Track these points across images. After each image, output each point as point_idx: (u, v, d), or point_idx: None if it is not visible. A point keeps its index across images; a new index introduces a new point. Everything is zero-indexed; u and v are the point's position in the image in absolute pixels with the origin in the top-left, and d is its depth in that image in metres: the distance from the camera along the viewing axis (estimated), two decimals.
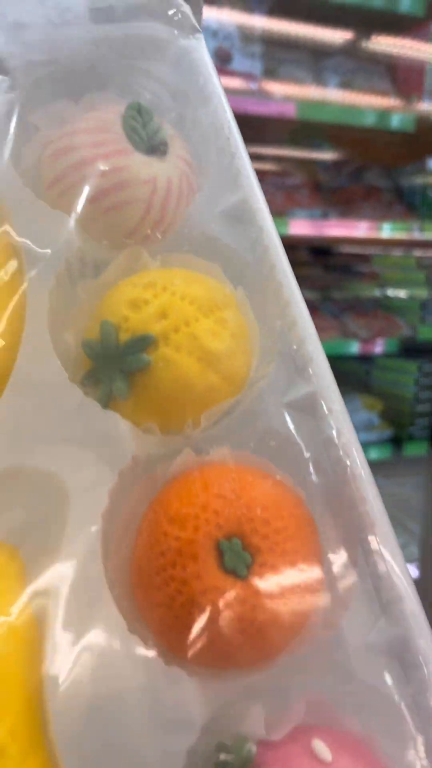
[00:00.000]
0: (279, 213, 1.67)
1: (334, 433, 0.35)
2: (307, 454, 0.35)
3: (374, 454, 1.93)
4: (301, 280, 0.38)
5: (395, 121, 1.72)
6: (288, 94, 1.65)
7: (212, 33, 1.50)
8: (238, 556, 0.32)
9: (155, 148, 0.41)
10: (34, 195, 0.40)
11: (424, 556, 1.81)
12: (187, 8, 0.43)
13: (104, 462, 0.34)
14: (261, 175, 0.40)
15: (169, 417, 0.37)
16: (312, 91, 1.71)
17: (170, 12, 0.43)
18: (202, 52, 0.43)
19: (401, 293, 1.99)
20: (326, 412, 0.35)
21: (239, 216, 0.40)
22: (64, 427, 0.34)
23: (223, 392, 0.37)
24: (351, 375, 2.14)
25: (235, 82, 1.52)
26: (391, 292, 2.02)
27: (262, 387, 0.37)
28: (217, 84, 0.42)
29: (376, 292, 2.05)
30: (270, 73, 1.63)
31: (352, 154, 1.99)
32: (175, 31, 0.43)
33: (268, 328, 0.39)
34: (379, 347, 1.88)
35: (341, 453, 0.34)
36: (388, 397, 2.03)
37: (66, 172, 0.40)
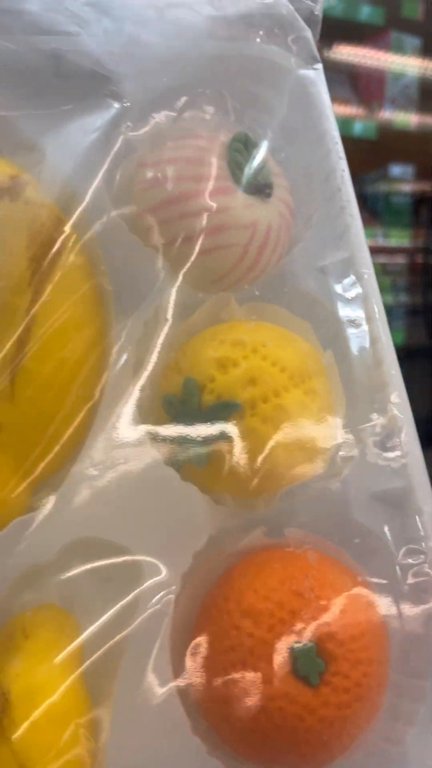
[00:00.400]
0: None
1: (422, 535, 0.33)
2: (390, 554, 0.33)
3: None
4: None
5: (358, 129, 1.76)
6: None
7: None
8: (312, 662, 0.31)
9: (259, 188, 0.38)
10: (125, 226, 0.36)
11: None
12: (308, 33, 0.39)
13: (179, 538, 0.32)
14: None
15: (246, 490, 0.35)
16: None
17: (290, 37, 0.39)
18: (320, 85, 0.39)
19: None
20: (415, 512, 0.33)
21: (341, 276, 0.38)
22: (139, 498, 0.32)
23: (305, 469, 0.35)
24: None
25: None
26: None
27: (347, 471, 0.35)
28: (333, 124, 0.39)
29: None
30: None
31: None
32: (293, 59, 0.39)
33: (358, 404, 0.36)
34: None
35: (426, 565, 0.32)
36: None
37: (160, 205, 0.37)
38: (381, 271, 2.02)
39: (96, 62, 0.33)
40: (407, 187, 2.00)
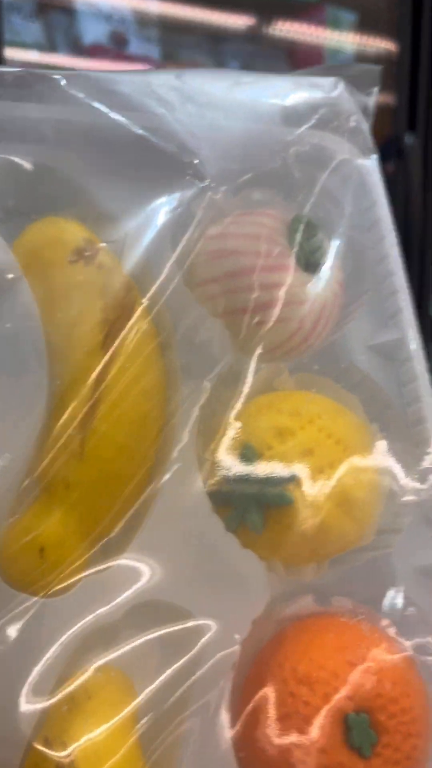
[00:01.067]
0: None
1: None
2: None
3: None
4: None
5: None
6: None
7: (106, 17, 1.46)
8: (366, 733, 0.31)
9: (316, 267, 0.40)
10: (191, 296, 0.38)
11: None
12: (366, 126, 0.42)
13: (238, 604, 0.33)
14: None
15: (297, 558, 0.36)
16: None
17: (351, 126, 0.42)
18: (375, 175, 0.42)
19: None
20: None
21: (391, 356, 0.40)
22: (201, 562, 0.33)
23: (355, 539, 0.36)
24: None
25: (133, 66, 1.49)
26: None
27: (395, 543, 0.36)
28: (386, 214, 0.41)
29: None
30: (169, 57, 1.54)
31: None
32: (348, 147, 0.42)
33: (405, 478, 0.38)
34: None
35: None
36: None
37: (224, 276, 0.39)
38: None
39: (180, 143, 0.35)
40: None
